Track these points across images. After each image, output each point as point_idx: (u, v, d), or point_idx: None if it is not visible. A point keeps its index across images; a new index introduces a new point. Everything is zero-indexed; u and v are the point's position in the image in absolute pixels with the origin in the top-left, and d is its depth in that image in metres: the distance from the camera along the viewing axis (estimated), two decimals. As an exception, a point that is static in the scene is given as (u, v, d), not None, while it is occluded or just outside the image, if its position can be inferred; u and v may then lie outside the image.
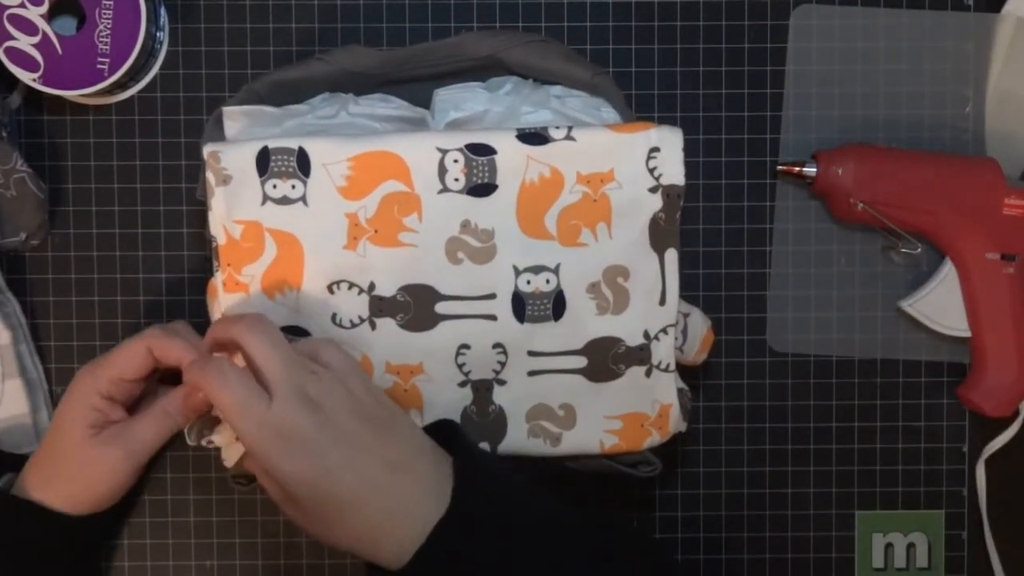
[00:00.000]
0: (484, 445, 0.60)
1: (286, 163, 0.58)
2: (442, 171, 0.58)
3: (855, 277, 0.70)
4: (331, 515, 0.51)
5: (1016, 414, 0.69)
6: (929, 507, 0.71)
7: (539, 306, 0.59)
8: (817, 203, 0.69)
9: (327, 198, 0.58)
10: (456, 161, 0.58)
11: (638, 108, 0.68)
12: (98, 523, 0.62)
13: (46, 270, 0.69)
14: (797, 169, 0.67)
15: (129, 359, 0.60)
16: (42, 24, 0.64)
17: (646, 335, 0.60)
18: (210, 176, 0.58)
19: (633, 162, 0.59)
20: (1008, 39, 0.69)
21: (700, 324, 0.64)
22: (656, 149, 0.59)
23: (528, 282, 0.59)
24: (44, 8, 0.63)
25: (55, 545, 0.60)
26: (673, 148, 0.59)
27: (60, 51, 0.64)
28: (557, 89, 0.63)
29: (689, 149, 0.69)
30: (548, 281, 0.59)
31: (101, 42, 0.64)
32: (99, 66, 0.64)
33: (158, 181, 0.69)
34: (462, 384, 0.60)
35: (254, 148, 0.58)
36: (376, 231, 0.58)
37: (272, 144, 0.58)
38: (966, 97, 0.69)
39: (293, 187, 0.58)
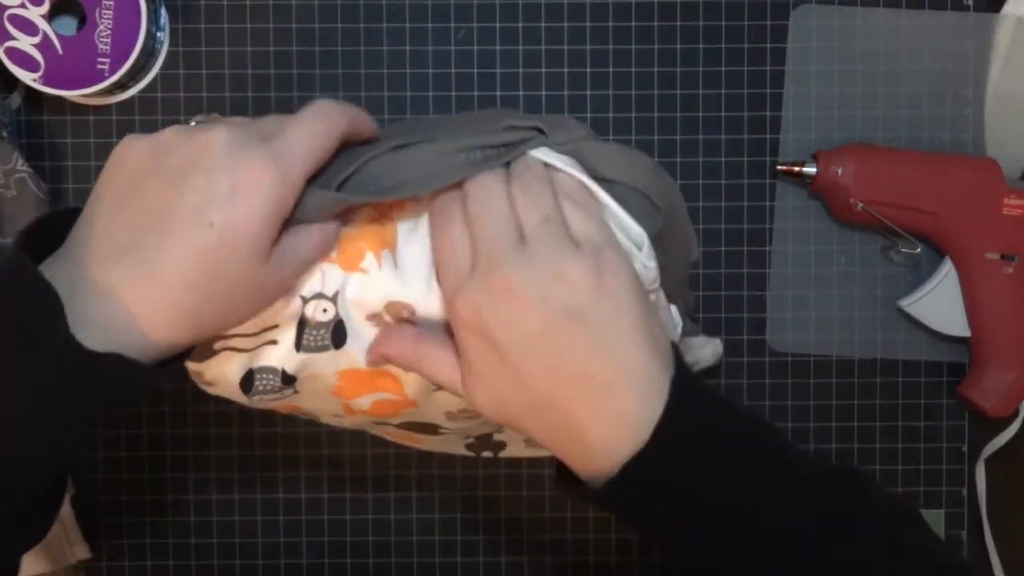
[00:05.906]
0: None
1: (271, 382, 0.51)
2: None
3: (855, 277, 0.70)
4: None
5: (1016, 414, 0.69)
6: (929, 507, 0.71)
7: None
8: (817, 203, 0.69)
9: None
10: None
11: (638, 108, 0.68)
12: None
13: (46, 270, 0.69)
14: (797, 169, 0.67)
15: (329, 141, 0.44)
16: (42, 24, 0.64)
17: None
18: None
19: None
20: (1008, 39, 0.69)
21: (711, 356, 0.65)
22: None
23: None
24: (44, 8, 0.63)
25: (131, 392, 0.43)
26: None
27: (60, 51, 0.64)
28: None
29: (689, 149, 0.69)
30: None
31: (101, 42, 0.64)
32: (99, 66, 0.64)
33: (158, 181, 0.69)
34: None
35: (237, 372, 0.50)
36: None
37: (256, 365, 0.50)
38: (966, 97, 0.69)
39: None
